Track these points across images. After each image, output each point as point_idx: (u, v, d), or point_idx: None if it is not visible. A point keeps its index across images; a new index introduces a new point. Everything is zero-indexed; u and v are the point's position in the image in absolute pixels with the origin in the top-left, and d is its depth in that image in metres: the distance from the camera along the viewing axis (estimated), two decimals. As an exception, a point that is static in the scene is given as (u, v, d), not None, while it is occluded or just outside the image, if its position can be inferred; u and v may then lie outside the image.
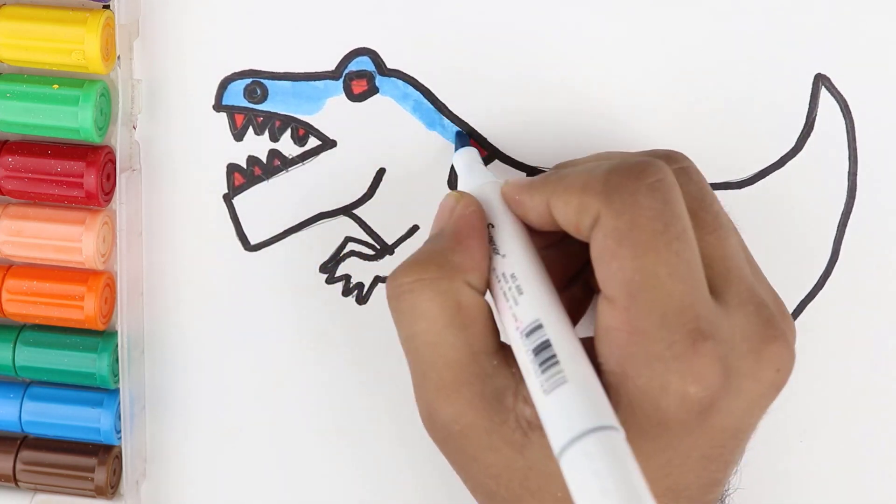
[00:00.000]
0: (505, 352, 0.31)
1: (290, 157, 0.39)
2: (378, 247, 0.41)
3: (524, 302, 0.31)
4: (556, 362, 0.29)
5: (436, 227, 0.34)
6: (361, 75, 0.38)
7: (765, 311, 0.30)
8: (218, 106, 0.39)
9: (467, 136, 0.39)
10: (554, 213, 0.31)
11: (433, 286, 0.31)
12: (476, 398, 0.30)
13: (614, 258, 0.29)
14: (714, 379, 0.29)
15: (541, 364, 0.29)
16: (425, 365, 0.31)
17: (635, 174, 0.30)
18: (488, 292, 0.32)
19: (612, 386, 0.29)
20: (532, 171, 0.39)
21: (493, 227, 0.33)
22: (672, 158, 0.32)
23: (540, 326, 0.30)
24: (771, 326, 0.30)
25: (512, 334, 0.31)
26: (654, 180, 0.29)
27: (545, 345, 0.30)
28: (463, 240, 0.32)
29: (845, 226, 0.39)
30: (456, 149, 0.38)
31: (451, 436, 0.31)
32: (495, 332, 0.32)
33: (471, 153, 0.38)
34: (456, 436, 0.31)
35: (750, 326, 0.30)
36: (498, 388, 0.31)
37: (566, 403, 0.29)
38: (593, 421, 0.28)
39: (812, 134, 0.38)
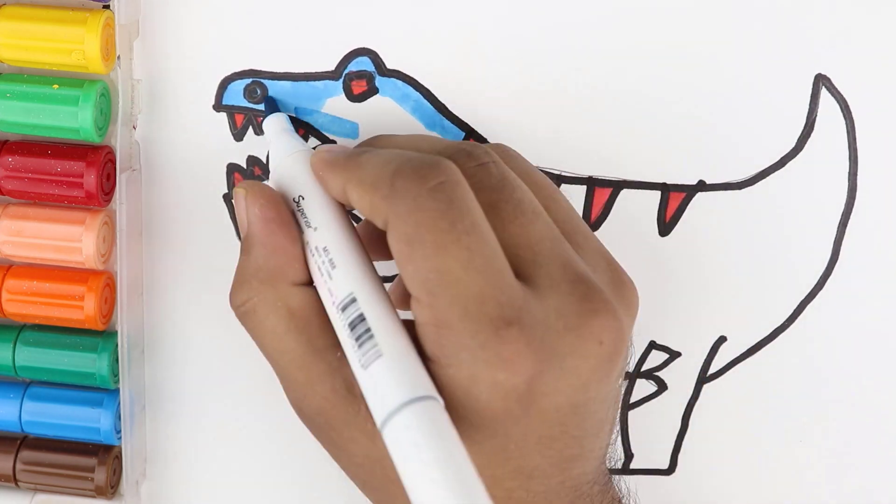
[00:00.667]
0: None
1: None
2: (378, 247, 0.41)
3: (337, 276, 0.32)
4: (371, 336, 0.30)
5: (241, 230, 0.34)
6: (361, 76, 0.38)
7: (581, 286, 0.31)
8: (218, 106, 0.39)
9: (275, 100, 0.39)
10: (350, 201, 0.32)
11: (262, 302, 0.33)
12: (328, 393, 0.32)
13: (409, 261, 0.30)
14: (524, 364, 0.29)
15: (357, 339, 0.30)
16: (281, 370, 0.33)
17: (419, 177, 0.30)
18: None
19: (434, 377, 0.30)
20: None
21: (303, 198, 0.34)
22: (471, 155, 0.33)
23: (354, 300, 0.31)
24: (588, 300, 0.30)
25: (329, 309, 0.32)
26: (436, 183, 0.30)
27: (360, 318, 0.30)
28: (268, 241, 0.33)
29: (845, 226, 0.39)
30: (265, 116, 0.38)
31: (319, 429, 0.33)
32: (330, 323, 0.32)
33: (280, 119, 0.38)
34: (322, 428, 0.33)
35: (565, 305, 0.30)
36: (347, 380, 0.31)
37: (382, 377, 0.29)
38: (409, 393, 0.29)
39: (812, 134, 0.38)
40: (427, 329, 0.30)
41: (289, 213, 0.33)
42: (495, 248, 0.30)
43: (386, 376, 0.29)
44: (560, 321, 0.30)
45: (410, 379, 0.29)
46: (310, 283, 0.33)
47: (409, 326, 0.31)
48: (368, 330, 0.30)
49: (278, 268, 0.33)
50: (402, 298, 0.33)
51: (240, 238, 0.40)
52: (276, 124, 0.38)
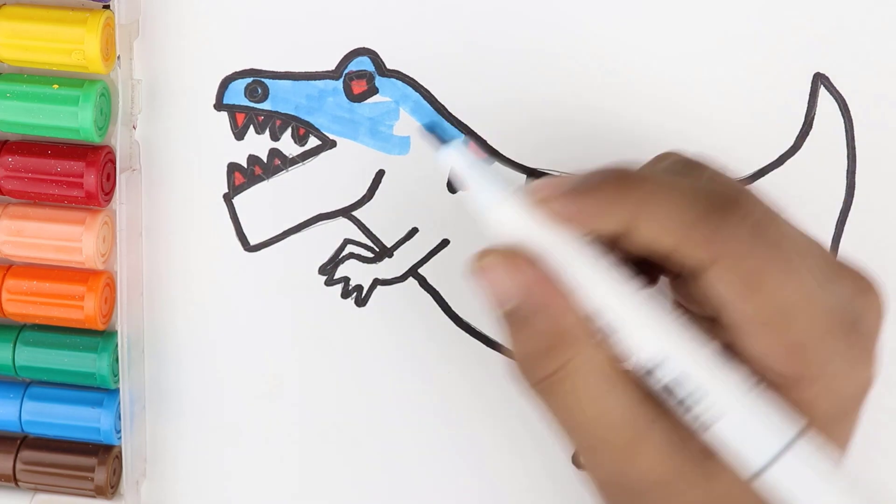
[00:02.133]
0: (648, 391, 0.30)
1: (291, 156, 0.39)
2: (377, 249, 0.41)
3: (628, 335, 0.29)
4: (697, 399, 0.29)
5: (503, 301, 0.30)
6: (361, 75, 0.39)
7: (838, 267, 0.32)
8: (219, 105, 0.39)
9: (433, 125, 0.35)
10: (634, 234, 0.29)
11: (582, 365, 0.30)
12: (658, 449, 0.30)
13: (752, 298, 0.29)
14: (870, 364, 0.31)
15: (678, 404, 0.29)
16: (598, 438, 0.30)
17: (741, 215, 0.29)
18: None
19: (791, 397, 0.29)
20: (532, 172, 0.39)
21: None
22: (736, 195, 0.30)
23: (664, 362, 0.29)
24: (858, 279, 0.32)
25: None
26: (758, 217, 0.29)
27: (675, 385, 0.29)
28: (552, 302, 0.30)
29: (844, 224, 0.39)
30: (441, 145, 0.31)
31: (641, 494, 0.30)
32: (632, 376, 0.30)
33: (464, 152, 0.31)
34: (646, 492, 0.30)
35: (844, 289, 0.31)
36: (668, 431, 0.30)
37: (735, 436, 0.28)
38: (787, 432, 0.28)
39: (811, 133, 0.38)
40: (778, 355, 0.29)
41: (549, 266, 0.30)
42: (819, 256, 0.31)
43: (752, 421, 0.28)
44: (854, 301, 0.31)
45: (779, 417, 0.29)
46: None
47: None
48: (690, 394, 0.29)
49: (580, 323, 0.29)
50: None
51: (245, 240, 0.40)
52: (462, 159, 0.31)
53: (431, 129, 0.32)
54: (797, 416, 0.29)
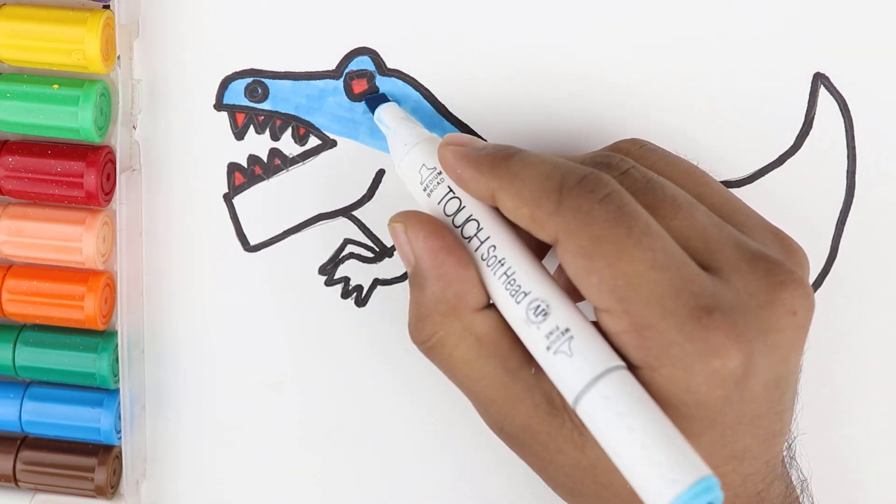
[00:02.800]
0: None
1: (291, 156, 0.39)
2: (377, 249, 0.41)
3: (519, 273, 0.31)
4: (549, 316, 0.30)
5: (406, 265, 0.34)
6: (361, 75, 0.39)
7: (760, 263, 0.31)
8: (219, 105, 0.39)
9: (380, 94, 0.38)
10: (499, 205, 0.32)
11: (448, 335, 0.33)
12: (531, 410, 0.32)
13: (591, 273, 0.30)
14: (734, 347, 0.29)
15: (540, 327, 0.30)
16: (479, 398, 0.33)
17: (587, 190, 0.30)
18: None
19: (642, 381, 0.30)
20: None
21: (448, 195, 0.34)
22: (611, 165, 0.33)
23: (529, 292, 0.31)
24: (771, 274, 0.31)
25: (503, 300, 0.32)
26: (603, 195, 0.30)
27: (539, 307, 0.31)
28: (442, 272, 0.32)
29: (844, 224, 0.39)
30: (372, 110, 0.37)
31: (522, 445, 0.33)
32: (518, 340, 0.32)
33: (392, 109, 0.37)
34: (526, 444, 0.33)
35: (751, 283, 0.30)
36: (546, 393, 0.32)
37: (571, 356, 0.29)
38: (601, 364, 0.29)
39: (811, 133, 0.39)
40: (626, 337, 0.30)
41: (453, 236, 0.33)
42: (673, 243, 0.30)
43: (578, 353, 0.29)
44: (752, 300, 0.30)
45: (599, 352, 0.29)
46: (489, 303, 0.33)
47: None
48: (547, 314, 0.30)
49: (458, 297, 0.32)
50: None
51: (245, 240, 0.40)
52: (390, 114, 0.37)
53: (372, 96, 0.38)
54: (610, 350, 0.30)
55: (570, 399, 0.29)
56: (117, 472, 0.43)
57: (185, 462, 0.44)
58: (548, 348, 0.30)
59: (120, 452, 0.42)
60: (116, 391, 0.41)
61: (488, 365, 0.32)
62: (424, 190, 0.34)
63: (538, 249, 0.34)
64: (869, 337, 0.41)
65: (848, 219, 0.39)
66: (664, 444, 0.27)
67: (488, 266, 0.32)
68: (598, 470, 0.31)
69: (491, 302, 0.33)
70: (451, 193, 0.33)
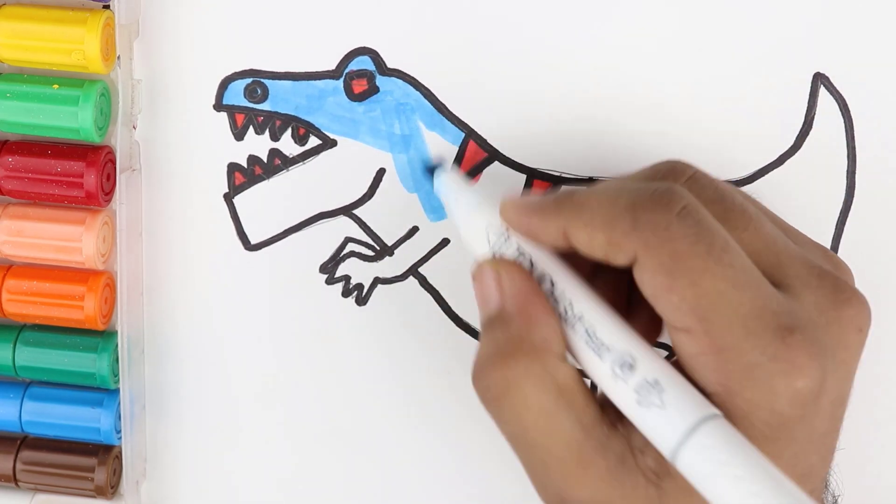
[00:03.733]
0: (606, 411, 0.31)
1: (291, 156, 0.39)
2: (378, 248, 0.41)
3: (600, 328, 0.30)
4: (638, 370, 0.29)
5: (488, 306, 0.32)
6: (362, 75, 0.39)
7: (827, 278, 0.30)
8: (218, 105, 0.39)
9: (438, 160, 0.38)
10: (573, 242, 0.31)
11: (528, 380, 0.30)
12: (605, 473, 0.30)
13: (672, 292, 0.29)
14: (815, 365, 0.28)
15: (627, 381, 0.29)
16: (544, 454, 0.30)
17: (662, 206, 0.29)
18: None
19: (720, 406, 0.29)
20: (532, 171, 0.39)
21: (523, 254, 0.32)
22: (678, 172, 0.32)
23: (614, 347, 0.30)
24: (839, 291, 0.30)
25: (586, 357, 0.30)
26: (680, 208, 0.29)
27: (627, 363, 0.29)
28: (531, 315, 0.31)
29: (844, 224, 0.39)
30: (432, 176, 0.36)
31: None
32: (592, 395, 0.31)
33: (450, 177, 0.35)
34: None
35: (820, 299, 0.30)
36: (619, 453, 0.30)
37: (666, 407, 0.28)
38: (699, 412, 0.28)
39: (811, 132, 0.39)
40: (705, 360, 0.29)
41: (538, 286, 0.32)
42: (748, 260, 0.30)
43: (671, 404, 0.28)
44: (822, 317, 0.30)
45: (693, 401, 0.28)
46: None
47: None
48: (636, 370, 0.29)
49: (545, 340, 0.31)
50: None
51: (246, 239, 0.40)
52: (451, 184, 0.35)
53: (430, 167, 0.36)
54: (704, 399, 0.28)
55: (666, 452, 0.28)
56: (117, 472, 0.43)
57: (185, 462, 0.44)
58: (638, 403, 0.28)
59: (120, 452, 0.42)
60: (116, 391, 0.41)
61: (565, 417, 0.30)
62: (494, 256, 0.33)
63: (614, 303, 0.32)
64: (869, 337, 0.41)
65: (848, 219, 0.39)
66: (773, 487, 0.26)
67: (567, 323, 0.31)
68: None
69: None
70: (522, 255, 0.32)
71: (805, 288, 0.30)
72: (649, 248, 0.29)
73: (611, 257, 0.30)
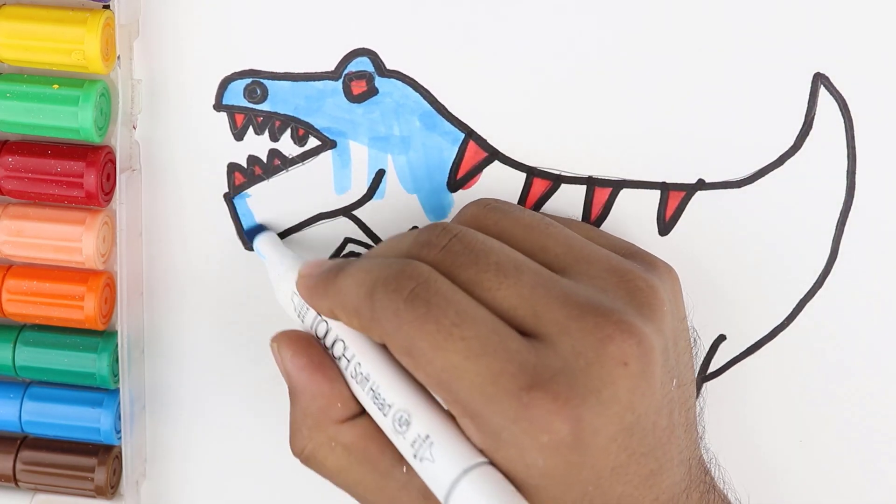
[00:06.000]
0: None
1: (291, 156, 0.39)
2: (377, 248, 0.41)
3: (382, 387, 0.33)
4: (409, 424, 0.31)
5: (285, 379, 0.35)
6: (361, 76, 0.39)
7: (588, 319, 0.31)
8: (218, 106, 0.39)
9: (252, 227, 0.40)
10: (344, 322, 0.34)
11: (318, 447, 0.34)
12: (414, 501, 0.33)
13: (417, 370, 0.31)
14: (558, 418, 0.29)
15: (401, 435, 0.32)
16: (360, 499, 0.34)
17: (392, 292, 0.31)
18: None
19: (495, 465, 0.30)
20: (532, 171, 0.39)
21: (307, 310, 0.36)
22: (431, 244, 0.33)
23: (390, 406, 0.32)
24: (598, 329, 0.30)
25: (374, 413, 0.33)
26: (408, 292, 0.31)
27: (400, 419, 0.32)
28: (307, 388, 0.34)
29: (844, 224, 0.39)
30: (248, 244, 0.40)
31: None
32: (389, 442, 0.33)
33: (267, 240, 0.39)
34: None
35: (578, 342, 0.30)
36: (420, 488, 0.32)
37: (434, 462, 0.30)
38: (458, 466, 0.30)
39: (811, 133, 0.38)
40: (464, 423, 0.31)
41: (321, 353, 0.35)
42: (491, 323, 0.31)
43: (436, 458, 0.30)
44: (580, 360, 0.30)
45: (458, 454, 0.30)
46: (360, 411, 0.34)
47: None
48: (408, 423, 0.31)
49: (321, 411, 0.34)
50: None
51: (246, 239, 0.41)
52: (265, 245, 0.39)
53: (249, 233, 0.41)
54: (468, 449, 0.30)
55: (441, 500, 0.30)
56: (117, 472, 0.43)
57: (185, 462, 0.44)
58: (414, 456, 0.31)
59: (120, 452, 0.42)
60: (116, 391, 0.41)
61: (360, 471, 0.33)
62: (298, 316, 0.36)
63: None
64: (869, 337, 0.41)
65: (848, 219, 0.39)
66: None
67: (357, 383, 0.33)
68: None
69: (364, 412, 0.34)
70: (318, 317, 0.35)
71: (561, 334, 0.31)
72: (388, 336, 0.31)
73: (371, 338, 0.33)
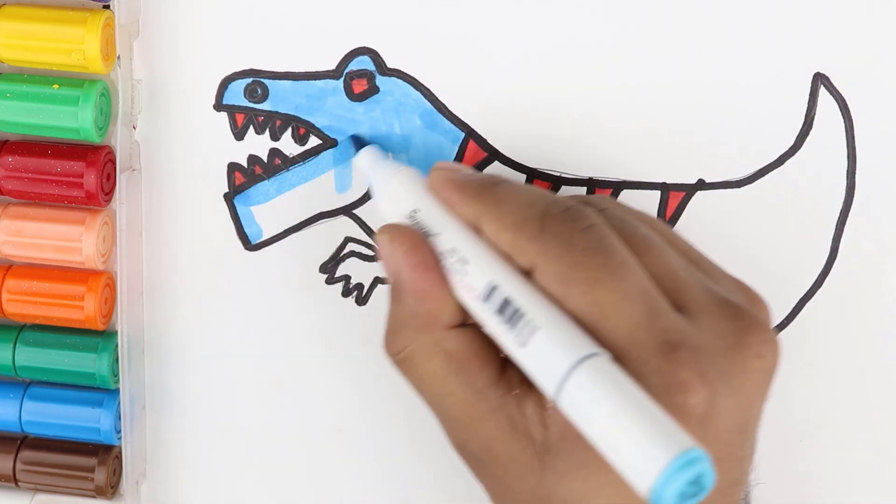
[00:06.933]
0: (507, 374, 0.32)
1: (291, 156, 0.39)
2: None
3: (472, 270, 0.32)
4: (522, 314, 0.30)
5: (388, 276, 0.34)
6: (362, 75, 0.39)
7: (728, 307, 0.31)
8: (218, 105, 0.39)
9: (359, 137, 0.39)
10: (483, 229, 0.33)
11: (419, 348, 0.33)
12: (493, 432, 0.32)
13: (566, 300, 0.30)
14: (699, 385, 0.29)
15: (508, 322, 0.30)
16: (442, 411, 0.33)
17: (570, 220, 0.31)
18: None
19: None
20: (532, 171, 0.39)
21: (417, 211, 0.34)
22: (591, 203, 0.33)
23: (495, 288, 0.31)
24: (739, 318, 0.31)
25: (475, 307, 0.32)
26: (586, 225, 0.31)
27: (506, 303, 0.30)
28: (419, 287, 0.33)
29: (844, 224, 0.39)
30: (355, 152, 0.38)
31: (483, 467, 0.33)
32: (493, 358, 0.33)
33: (372, 152, 0.38)
34: (487, 467, 0.33)
35: (719, 325, 0.30)
36: (509, 416, 0.32)
37: (544, 347, 0.29)
38: (575, 354, 0.28)
39: (811, 133, 0.39)
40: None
41: (433, 254, 0.33)
42: (649, 279, 0.30)
43: (548, 345, 0.29)
44: (720, 341, 0.30)
45: (572, 341, 0.29)
46: (464, 322, 0.33)
47: None
48: (517, 310, 0.30)
49: (431, 313, 0.33)
50: None
51: (246, 239, 0.41)
52: (369, 157, 0.38)
53: (356, 140, 0.39)
54: (585, 339, 0.29)
55: (550, 393, 0.29)
56: (117, 472, 0.43)
57: (185, 462, 0.44)
58: (522, 345, 0.30)
59: (120, 452, 0.42)
60: (116, 391, 0.41)
61: (456, 382, 0.32)
62: (409, 218, 0.35)
63: None
64: (869, 337, 0.41)
65: (848, 219, 0.39)
66: (645, 422, 0.27)
67: (452, 269, 0.32)
68: (553, 499, 0.31)
69: (469, 322, 0.33)
70: (416, 212, 0.34)
71: (703, 312, 0.31)
72: (548, 258, 0.30)
73: (513, 256, 0.31)
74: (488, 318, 0.31)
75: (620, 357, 0.29)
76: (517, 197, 0.32)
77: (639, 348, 0.29)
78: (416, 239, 0.33)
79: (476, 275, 0.32)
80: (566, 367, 0.28)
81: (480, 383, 0.32)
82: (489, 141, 0.39)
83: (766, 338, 0.31)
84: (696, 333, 0.30)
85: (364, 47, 0.38)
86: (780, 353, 0.31)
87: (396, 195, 0.35)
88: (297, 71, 0.39)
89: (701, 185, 0.39)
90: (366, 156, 0.38)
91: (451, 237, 0.33)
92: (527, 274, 0.31)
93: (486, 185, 0.33)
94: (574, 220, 0.31)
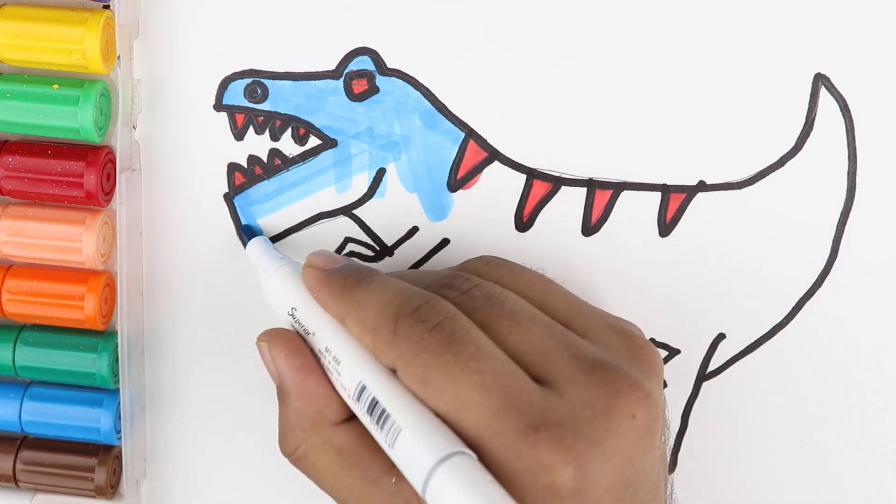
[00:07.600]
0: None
1: (291, 156, 0.39)
2: (378, 248, 0.41)
3: (344, 370, 0.33)
4: (388, 415, 0.31)
5: (273, 379, 0.36)
6: (362, 75, 0.39)
7: (596, 372, 0.31)
8: (218, 105, 0.39)
9: (251, 227, 0.40)
10: (351, 333, 0.34)
11: (310, 448, 0.34)
12: None
13: (426, 399, 0.31)
14: (563, 461, 0.29)
15: (377, 422, 0.32)
16: (345, 502, 0.34)
17: (419, 320, 0.32)
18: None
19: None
20: (532, 171, 0.39)
21: (295, 310, 0.35)
22: (453, 286, 0.34)
23: (364, 387, 0.32)
24: (607, 382, 0.31)
25: (351, 405, 0.33)
26: (434, 324, 0.32)
27: (373, 403, 0.32)
28: (302, 389, 0.34)
29: (844, 225, 0.39)
30: (245, 243, 0.40)
31: None
32: (380, 450, 0.33)
33: (260, 242, 0.39)
34: None
35: (585, 394, 0.31)
36: (406, 500, 0.33)
37: (408, 451, 0.30)
38: (434, 456, 0.29)
39: (812, 134, 0.38)
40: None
41: (312, 355, 0.35)
42: (505, 361, 0.31)
43: (411, 446, 0.30)
44: (587, 410, 0.31)
45: (433, 441, 0.30)
46: (351, 415, 0.34)
47: None
48: (384, 411, 0.31)
49: (318, 412, 0.34)
50: None
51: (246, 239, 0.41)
52: (257, 247, 0.39)
53: (245, 230, 0.40)
54: (449, 438, 0.30)
55: (419, 492, 0.30)
56: (117, 472, 0.43)
57: (185, 462, 0.44)
58: (391, 446, 0.31)
59: (120, 452, 0.42)
60: (116, 391, 0.41)
61: (350, 476, 0.34)
62: (289, 314, 0.36)
63: None
64: (869, 336, 0.41)
65: (848, 220, 0.39)
66: None
67: (327, 367, 0.34)
68: None
69: (354, 416, 0.34)
70: (313, 316, 0.35)
71: (570, 383, 0.31)
72: (404, 360, 0.31)
73: (378, 359, 0.33)
74: (362, 416, 0.33)
75: (485, 448, 0.30)
76: (375, 298, 0.33)
77: (500, 437, 0.30)
78: (295, 343, 0.35)
79: (346, 375, 0.33)
80: (427, 468, 0.29)
81: (374, 473, 0.33)
82: (489, 141, 0.39)
83: (637, 396, 0.31)
84: (560, 408, 0.30)
85: (364, 47, 0.38)
86: (656, 406, 0.32)
87: (277, 292, 0.37)
88: (296, 71, 0.39)
89: (702, 186, 0.39)
90: (252, 248, 0.39)
91: (325, 337, 0.34)
92: (394, 371, 0.32)
93: (347, 286, 0.34)
94: (424, 321, 0.32)
